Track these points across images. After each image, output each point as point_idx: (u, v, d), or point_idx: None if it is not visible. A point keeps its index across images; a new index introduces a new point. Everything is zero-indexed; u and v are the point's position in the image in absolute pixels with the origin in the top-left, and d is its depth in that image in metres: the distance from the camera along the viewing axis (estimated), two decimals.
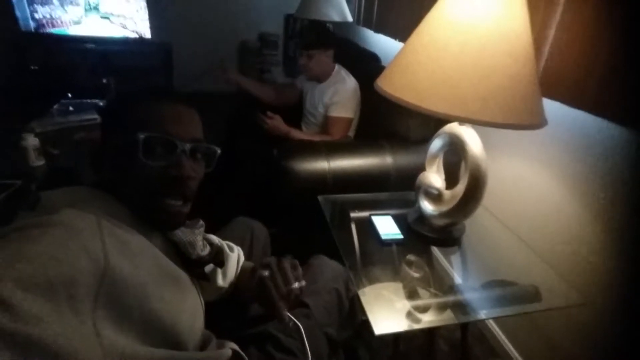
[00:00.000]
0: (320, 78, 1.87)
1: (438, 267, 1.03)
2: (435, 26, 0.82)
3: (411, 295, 0.89)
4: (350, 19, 2.51)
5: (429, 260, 1.03)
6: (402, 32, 1.92)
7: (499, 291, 0.97)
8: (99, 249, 0.45)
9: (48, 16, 2.95)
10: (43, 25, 2.95)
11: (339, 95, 1.77)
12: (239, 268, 0.82)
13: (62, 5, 2.94)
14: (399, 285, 0.91)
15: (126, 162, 0.57)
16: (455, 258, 1.06)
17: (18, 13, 2.86)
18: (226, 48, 3.65)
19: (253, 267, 0.80)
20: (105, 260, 0.45)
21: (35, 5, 2.89)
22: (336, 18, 2.42)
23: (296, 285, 0.73)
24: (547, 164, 1.14)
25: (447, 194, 0.98)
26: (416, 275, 0.95)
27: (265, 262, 0.76)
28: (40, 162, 1.38)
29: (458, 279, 1.00)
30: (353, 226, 1.09)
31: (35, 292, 0.37)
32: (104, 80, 2.90)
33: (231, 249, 0.82)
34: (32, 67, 2.91)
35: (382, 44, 2.30)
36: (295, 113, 2.02)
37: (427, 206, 1.01)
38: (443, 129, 0.98)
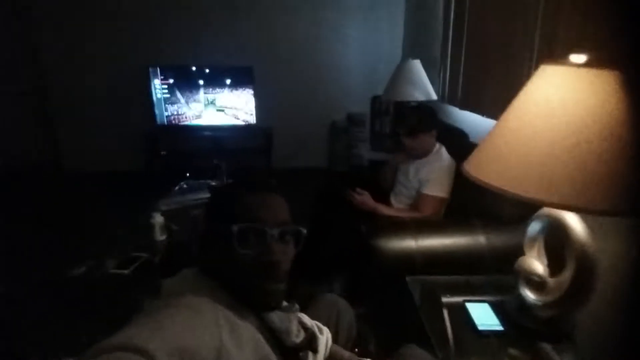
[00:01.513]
0: (420, 155, 1.87)
1: None
2: (524, 110, 0.83)
3: None
4: (434, 97, 2.59)
5: (535, 356, 0.91)
6: (488, 108, 1.92)
7: None
8: (216, 329, 0.52)
9: (176, 113, 3.61)
10: (172, 120, 3.62)
11: (436, 173, 1.76)
12: (328, 351, 0.83)
13: (187, 103, 3.59)
14: None
15: (224, 250, 0.64)
16: (567, 356, 0.92)
17: (156, 111, 3.57)
18: (318, 128, 4.01)
19: None
20: (220, 340, 0.51)
21: (167, 105, 3.58)
22: (421, 98, 2.52)
23: None
24: None
25: (551, 281, 0.90)
26: None
27: None
28: (163, 237, 1.62)
29: None
30: (445, 312, 1.03)
31: (171, 355, 0.44)
32: (215, 161, 3.38)
33: (320, 331, 0.84)
34: (162, 153, 3.53)
35: (468, 119, 2.30)
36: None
37: (528, 295, 0.93)
38: (541, 211, 0.93)
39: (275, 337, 0.68)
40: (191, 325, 0.50)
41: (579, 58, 0.80)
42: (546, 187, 0.74)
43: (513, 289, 0.98)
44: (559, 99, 0.77)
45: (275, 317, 0.67)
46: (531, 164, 0.77)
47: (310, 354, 0.78)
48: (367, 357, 0.91)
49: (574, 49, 0.82)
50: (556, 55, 1.21)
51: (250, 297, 0.65)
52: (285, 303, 0.71)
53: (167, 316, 0.50)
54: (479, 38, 2.03)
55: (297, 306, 0.72)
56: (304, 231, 0.71)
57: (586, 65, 0.78)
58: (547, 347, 0.92)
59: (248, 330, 0.59)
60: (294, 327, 0.70)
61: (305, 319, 0.80)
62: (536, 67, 1.36)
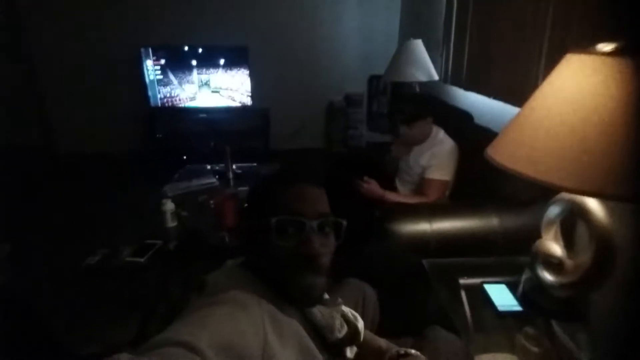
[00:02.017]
0: (418, 142, 1.89)
1: (561, 344, 0.95)
2: (551, 99, 0.83)
3: None
4: (436, 77, 2.57)
5: (551, 334, 0.96)
6: (496, 89, 1.91)
7: None
8: (260, 325, 0.53)
9: (169, 95, 3.52)
10: (166, 103, 3.53)
11: (437, 158, 1.78)
12: (361, 338, 0.85)
13: (180, 84, 3.51)
14: None
15: (264, 244, 0.64)
16: (582, 335, 0.97)
17: (150, 93, 3.48)
18: (315, 109, 3.97)
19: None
20: (265, 336, 0.52)
21: (160, 87, 3.49)
22: (422, 78, 2.50)
23: None
24: None
25: (569, 263, 0.93)
26: (535, 349, 0.89)
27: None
28: (174, 224, 1.61)
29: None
30: (463, 294, 1.07)
31: (219, 351, 0.45)
32: (212, 144, 3.32)
33: (356, 319, 0.85)
34: (157, 136, 3.46)
35: (469, 100, 2.30)
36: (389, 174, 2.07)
37: (546, 276, 0.96)
38: (561, 194, 0.95)
39: (318, 333, 0.68)
40: (237, 322, 0.50)
41: (606, 46, 0.80)
42: (576, 175, 0.75)
43: (526, 268, 1.01)
44: (587, 88, 0.77)
45: (318, 312, 0.68)
46: (559, 152, 0.77)
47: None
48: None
49: (601, 37, 0.82)
50: (573, 33, 1.21)
51: (290, 292, 0.65)
52: (326, 296, 0.72)
53: (214, 313, 0.51)
54: (485, 18, 2.01)
55: (340, 300, 0.72)
56: (344, 223, 0.69)
57: (614, 53, 0.78)
58: (557, 328, 0.96)
59: (291, 326, 0.60)
60: (337, 322, 0.70)
61: (346, 311, 0.81)
62: (548, 48, 1.37)
